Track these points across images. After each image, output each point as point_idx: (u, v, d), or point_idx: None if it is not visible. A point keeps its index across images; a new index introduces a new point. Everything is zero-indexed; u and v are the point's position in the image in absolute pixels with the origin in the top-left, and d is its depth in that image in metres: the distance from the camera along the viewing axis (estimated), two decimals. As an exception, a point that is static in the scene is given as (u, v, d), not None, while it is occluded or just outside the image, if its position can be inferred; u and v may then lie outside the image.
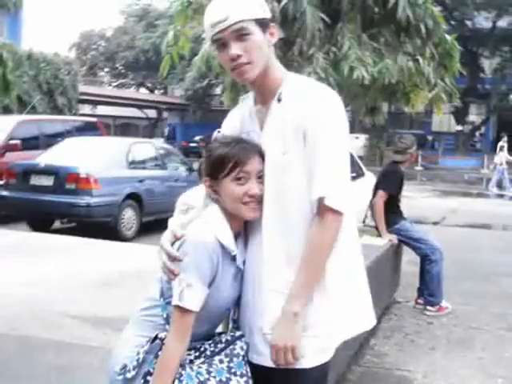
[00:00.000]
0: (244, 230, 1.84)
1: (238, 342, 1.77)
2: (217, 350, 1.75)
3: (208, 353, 1.74)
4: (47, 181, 8.46)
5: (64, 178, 8.31)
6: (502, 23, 29.87)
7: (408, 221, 5.38)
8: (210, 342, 1.77)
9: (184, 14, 5.69)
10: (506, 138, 19.99)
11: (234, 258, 1.76)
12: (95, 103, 35.02)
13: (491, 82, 31.31)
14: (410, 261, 6.04)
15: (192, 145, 32.39)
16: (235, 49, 1.72)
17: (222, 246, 1.72)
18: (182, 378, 1.66)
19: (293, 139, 1.74)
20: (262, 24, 1.74)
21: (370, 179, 7.55)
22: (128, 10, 43.60)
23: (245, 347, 1.77)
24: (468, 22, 30.37)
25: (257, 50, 1.73)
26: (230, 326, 1.90)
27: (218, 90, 33.57)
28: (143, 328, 1.76)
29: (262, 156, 1.78)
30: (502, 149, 19.79)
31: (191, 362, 1.72)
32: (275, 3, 4.92)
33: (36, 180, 8.57)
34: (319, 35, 5.08)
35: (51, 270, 5.44)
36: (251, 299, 1.80)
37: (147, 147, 10.19)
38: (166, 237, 1.78)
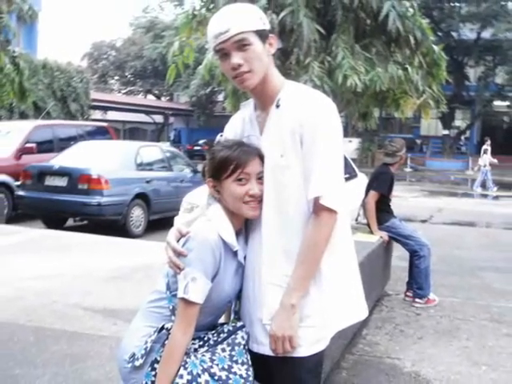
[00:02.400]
0: (245, 227, 1.84)
1: (239, 332, 1.77)
2: (219, 339, 1.75)
3: (211, 342, 1.74)
4: (61, 181, 8.46)
5: (77, 179, 8.30)
6: (486, 34, 29.88)
7: (398, 219, 5.38)
8: (213, 332, 1.77)
9: (189, 26, 5.70)
10: (489, 142, 19.98)
11: (235, 254, 1.76)
12: (106, 109, 34.98)
13: (475, 90, 31.32)
14: (399, 256, 6.04)
15: (196, 148, 32.40)
16: (236, 58, 1.72)
17: (225, 243, 1.72)
18: (186, 366, 1.66)
19: (290, 143, 1.74)
20: (262, 35, 1.74)
21: (362, 180, 7.55)
22: (136, 22, 43.63)
23: (245, 337, 1.78)
24: (454, 34, 30.39)
25: (257, 60, 1.73)
26: (232, 317, 1.91)
27: (220, 97, 33.61)
28: (151, 319, 1.76)
29: (261, 158, 1.78)
30: (485, 151, 19.80)
31: (195, 350, 1.72)
32: (274, 16, 4.94)
33: (50, 181, 8.57)
34: (315, 45, 5.09)
35: (65, 265, 5.44)
36: (251, 292, 1.80)
37: (154, 150, 10.17)
38: (172, 234, 1.78)
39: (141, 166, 9.24)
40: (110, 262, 5.59)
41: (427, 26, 5.54)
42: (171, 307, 1.73)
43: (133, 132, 41.69)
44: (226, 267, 1.73)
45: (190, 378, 1.64)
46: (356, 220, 6.03)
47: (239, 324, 1.80)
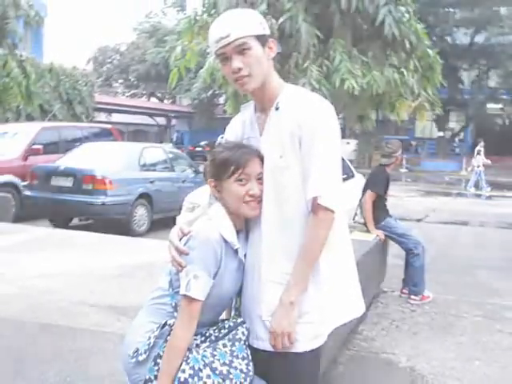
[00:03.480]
0: (245, 226, 1.84)
1: (240, 328, 1.77)
2: (220, 335, 1.75)
3: (212, 338, 1.75)
4: (66, 182, 8.45)
5: (82, 180, 8.30)
6: (479, 39, 29.90)
7: (393, 218, 5.37)
8: (215, 328, 1.77)
9: (190, 31, 5.71)
10: (482, 143, 19.97)
11: (236, 252, 1.76)
12: (110, 111, 34.94)
13: (469, 93, 31.32)
14: (395, 254, 6.03)
15: (198, 149, 32.36)
16: (237, 62, 1.72)
17: (225, 241, 1.72)
18: (188, 361, 1.66)
19: (289, 144, 1.74)
20: (262, 39, 1.74)
21: (359, 180, 7.54)
22: (140, 27, 43.66)
23: (246, 333, 1.78)
24: (448, 38, 30.38)
25: (257, 64, 1.73)
26: (233, 313, 1.91)
27: (221, 100, 33.57)
28: (154, 315, 1.76)
29: (261, 159, 1.78)
30: (479, 153, 19.79)
31: (197, 346, 1.72)
32: (273, 21, 4.94)
33: (56, 181, 8.57)
34: (313, 50, 5.10)
35: (70, 263, 5.43)
36: (251, 289, 1.80)
37: (157, 151, 10.17)
38: (174, 233, 1.78)
39: (144, 167, 9.24)
40: (114, 260, 5.59)
41: (422, 31, 5.55)
42: (174, 304, 1.73)
43: (136, 134, 41.64)
44: (227, 265, 1.73)
45: (191, 372, 1.64)
46: (353, 219, 6.02)
47: (240, 320, 1.80)
